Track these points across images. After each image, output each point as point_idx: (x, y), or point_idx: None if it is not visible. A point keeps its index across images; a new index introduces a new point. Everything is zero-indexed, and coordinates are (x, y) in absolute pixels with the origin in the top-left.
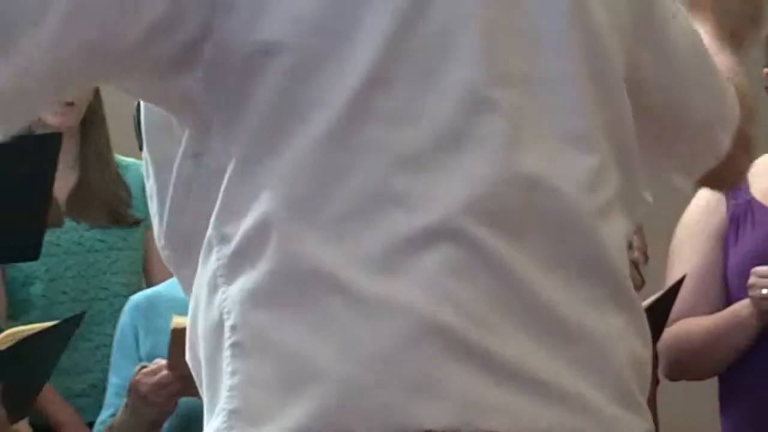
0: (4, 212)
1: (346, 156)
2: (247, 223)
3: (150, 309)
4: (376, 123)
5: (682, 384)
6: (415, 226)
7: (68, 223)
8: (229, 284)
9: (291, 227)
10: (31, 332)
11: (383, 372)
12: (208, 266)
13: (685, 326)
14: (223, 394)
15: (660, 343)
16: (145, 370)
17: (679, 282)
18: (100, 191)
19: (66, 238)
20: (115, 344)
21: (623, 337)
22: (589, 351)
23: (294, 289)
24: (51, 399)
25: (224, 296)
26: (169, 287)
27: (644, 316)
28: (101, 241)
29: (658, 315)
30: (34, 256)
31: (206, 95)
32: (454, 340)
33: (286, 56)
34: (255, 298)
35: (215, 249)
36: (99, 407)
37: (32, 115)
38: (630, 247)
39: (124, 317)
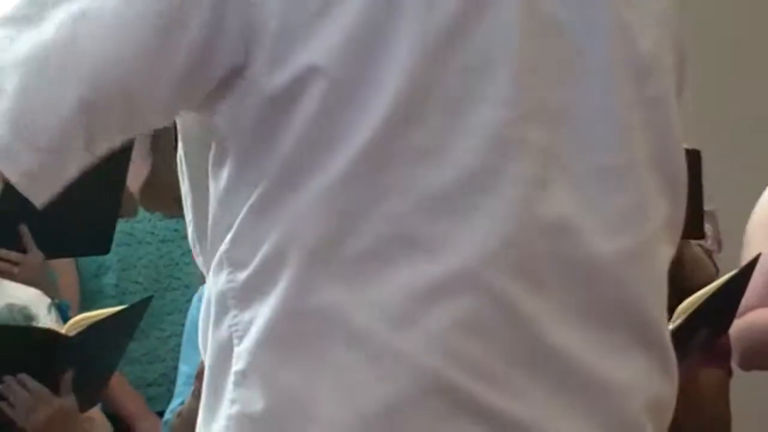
0: (76, 206)
1: (366, 195)
2: (262, 254)
3: None
4: (399, 163)
5: (756, 374)
6: (433, 274)
7: (141, 213)
8: (240, 310)
9: (306, 265)
10: (98, 318)
11: (384, 428)
12: (219, 282)
13: (759, 316)
14: (221, 421)
15: (733, 333)
16: None
17: (753, 262)
18: (172, 182)
19: (139, 227)
20: (185, 334)
21: (643, 383)
22: (607, 401)
23: (302, 329)
24: (121, 388)
25: (235, 321)
26: None
27: (671, 352)
28: (175, 231)
29: (731, 295)
30: (105, 250)
31: (229, 129)
32: (461, 398)
33: (312, 90)
34: (264, 334)
35: (227, 270)
36: (171, 397)
37: (64, 182)
38: (704, 237)
39: (194, 307)
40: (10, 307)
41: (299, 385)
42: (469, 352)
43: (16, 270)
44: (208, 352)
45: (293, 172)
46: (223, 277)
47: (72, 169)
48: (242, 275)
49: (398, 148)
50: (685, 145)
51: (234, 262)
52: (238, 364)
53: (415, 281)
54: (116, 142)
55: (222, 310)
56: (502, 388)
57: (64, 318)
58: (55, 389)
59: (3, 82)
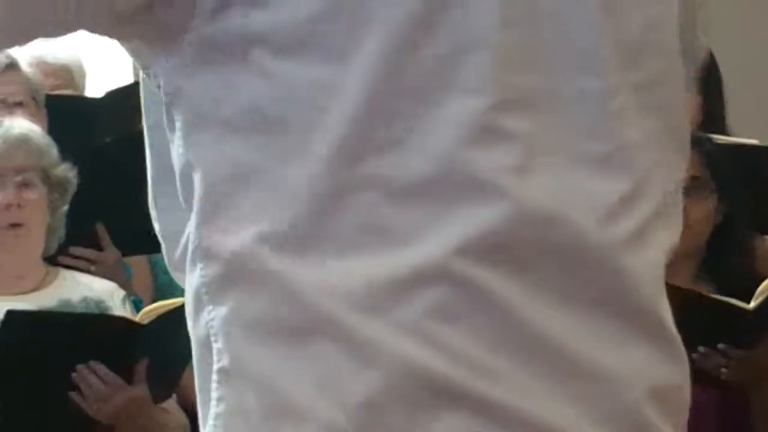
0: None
1: (343, 185)
2: (234, 244)
3: None
4: (373, 153)
5: None
6: (407, 264)
7: None
8: (215, 305)
9: (282, 256)
10: (172, 306)
11: (366, 420)
12: (193, 276)
13: None
14: (210, 420)
15: None
16: None
17: None
18: None
19: None
20: None
21: (644, 370)
22: (600, 388)
23: (280, 322)
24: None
25: (210, 316)
26: None
27: (675, 338)
28: None
29: None
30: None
31: (185, 85)
32: (445, 387)
33: (285, 61)
34: (241, 327)
35: (199, 265)
36: None
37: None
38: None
39: None
40: (86, 299)
41: (278, 378)
42: (450, 340)
43: (92, 268)
44: (193, 350)
45: (266, 156)
46: (197, 271)
47: None
48: (214, 269)
49: (371, 138)
50: (758, 142)
51: (205, 255)
52: (219, 361)
53: (389, 272)
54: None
55: (198, 305)
56: (484, 374)
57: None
58: (129, 379)
59: None
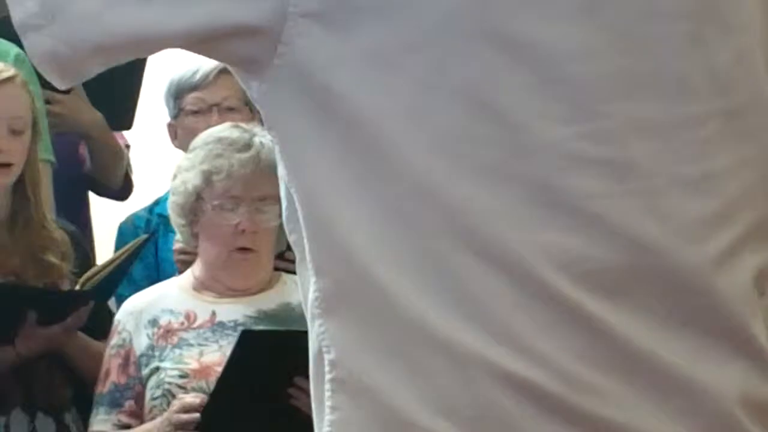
0: None
1: (435, 214)
2: (342, 262)
3: None
4: (462, 177)
5: None
6: (507, 282)
7: None
8: (326, 318)
9: (389, 273)
10: None
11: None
12: (305, 285)
13: None
14: (326, 427)
15: None
16: None
17: None
18: None
19: None
20: None
21: (739, 383)
22: (699, 402)
23: (389, 337)
24: None
25: (322, 329)
26: None
27: None
28: None
29: None
30: None
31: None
32: (549, 401)
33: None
34: (352, 342)
35: (312, 279)
36: None
37: (86, 75)
38: None
39: None
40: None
41: (389, 391)
42: (551, 355)
43: None
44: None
45: (359, 180)
46: (311, 286)
47: (94, 65)
48: (325, 283)
49: (460, 159)
50: None
51: (317, 270)
52: (332, 371)
53: (490, 289)
54: (140, 54)
55: (311, 316)
56: (590, 390)
57: None
58: None
59: None
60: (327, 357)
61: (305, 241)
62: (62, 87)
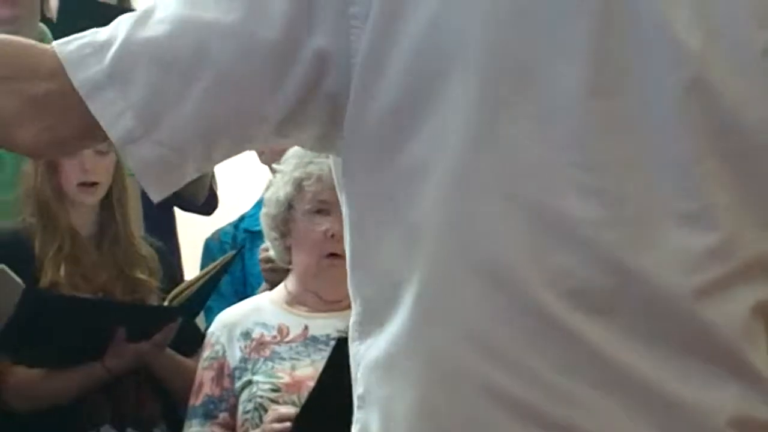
0: None
1: (457, 239)
2: (376, 287)
3: None
4: (479, 192)
5: None
6: (493, 294)
7: None
8: (361, 342)
9: (416, 303)
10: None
11: None
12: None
13: None
14: None
15: None
16: None
17: None
18: None
19: None
20: None
21: (726, 403)
22: (681, 417)
23: (410, 366)
24: None
25: (356, 351)
26: None
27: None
28: None
29: None
30: None
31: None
32: (525, 409)
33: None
34: (376, 368)
35: (353, 303)
36: None
37: (182, 182)
38: None
39: None
40: None
41: (398, 408)
42: (536, 369)
43: None
44: None
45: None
46: (354, 308)
47: (190, 170)
48: (361, 308)
49: (470, 179)
50: None
51: (355, 294)
52: (359, 389)
53: (484, 310)
54: (232, 152)
55: (351, 337)
56: (575, 403)
57: None
58: None
59: (134, 72)
60: (358, 375)
61: (348, 266)
62: (158, 198)
